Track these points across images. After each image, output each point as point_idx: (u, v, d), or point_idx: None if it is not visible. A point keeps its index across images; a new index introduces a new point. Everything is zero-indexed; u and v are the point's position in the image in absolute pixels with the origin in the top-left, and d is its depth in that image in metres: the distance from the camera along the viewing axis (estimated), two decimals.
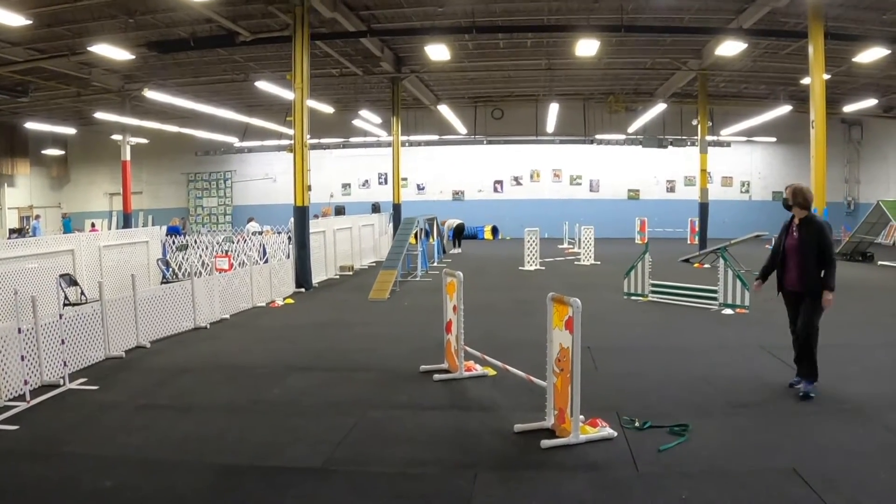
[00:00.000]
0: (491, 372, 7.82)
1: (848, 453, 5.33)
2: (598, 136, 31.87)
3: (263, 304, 13.66)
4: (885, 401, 6.65)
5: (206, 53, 21.15)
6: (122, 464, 5.39)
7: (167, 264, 14.81)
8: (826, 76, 15.31)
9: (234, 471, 5.24)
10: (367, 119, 29.07)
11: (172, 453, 5.61)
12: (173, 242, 17.93)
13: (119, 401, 7.12)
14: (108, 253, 13.09)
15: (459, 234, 26.72)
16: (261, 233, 21.07)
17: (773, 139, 31.43)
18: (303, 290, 15.65)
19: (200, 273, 13.31)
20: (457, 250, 25.63)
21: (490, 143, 33.33)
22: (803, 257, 6.85)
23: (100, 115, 25.49)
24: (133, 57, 17.23)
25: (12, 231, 29.75)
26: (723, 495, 4.68)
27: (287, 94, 18.60)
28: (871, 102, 24.85)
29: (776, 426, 5.99)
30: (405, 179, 30.86)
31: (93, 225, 30.67)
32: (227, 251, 15.70)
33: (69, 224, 30.60)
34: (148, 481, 5.06)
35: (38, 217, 31.19)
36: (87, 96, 25.92)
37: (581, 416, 5.67)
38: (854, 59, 18.49)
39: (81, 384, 7.71)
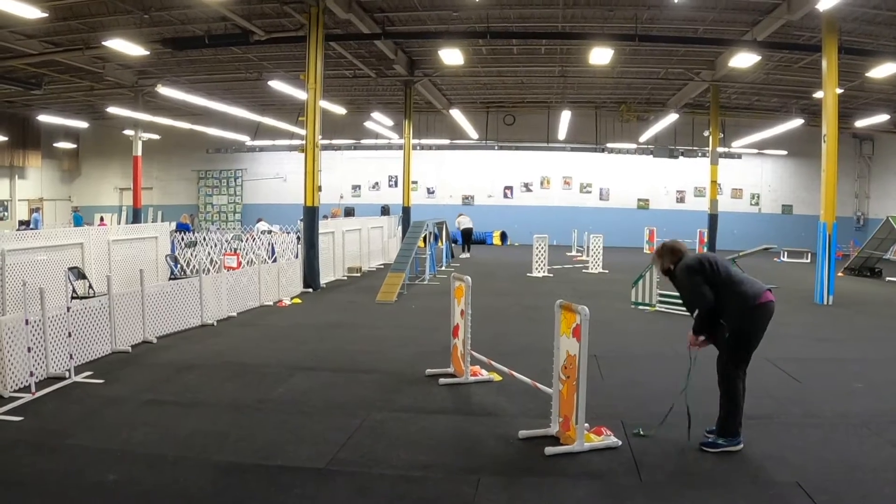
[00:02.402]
0: (497, 377, 7.81)
1: (852, 468, 5.31)
2: (610, 145, 31.81)
3: (271, 303, 13.67)
4: (892, 416, 6.61)
5: (221, 51, 21.22)
6: (125, 458, 5.40)
7: (175, 260, 14.84)
8: (839, 90, 15.25)
9: (237, 469, 5.25)
10: (379, 121, 29.10)
11: (176, 449, 5.62)
12: (182, 239, 17.96)
13: (124, 395, 7.14)
14: (116, 247, 13.14)
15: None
16: (270, 232, 21.10)
17: (784, 152, 31.32)
18: (310, 290, 15.67)
19: (209, 270, 13.34)
20: (465, 255, 25.48)
21: (501, 148, 33.29)
22: None
23: (112, 110, 25.58)
24: (147, 53, 17.26)
25: (21, 223, 29.90)
26: None
27: (300, 94, 18.65)
28: (883, 118, 24.75)
29: (780, 439, 5.95)
30: (415, 183, 30.87)
31: (101, 219, 30.77)
32: (235, 249, 15.74)
33: (80, 218, 30.65)
34: (151, 476, 5.07)
35: (37, 209, 31.27)
36: (101, 91, 26.08)
37: (586, 424, 5.66)
38: (867, 74, 18.44)
39: (87, 377, 7.74)
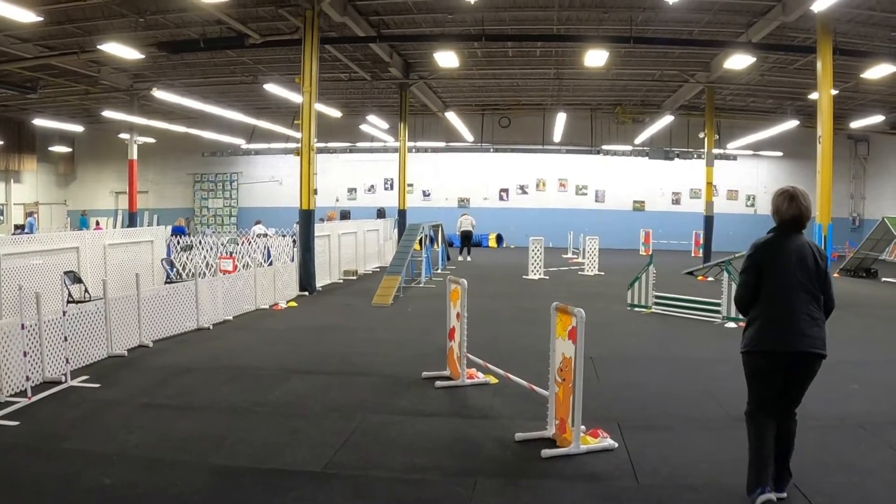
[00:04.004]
0: (493, 380, 7.80)
1: (849, 470, 5.32)
2: (605, 147, 31.86)
3: (267, 307, 13.65)
4: (888, 418, 6.63)
5: (216, 55, 21.22)
6: (121, 462, 5.39)
7: (171, 264, 14.81)
8: (834, 92, 15.30)
9: (233, 472, 5.24)
10: (375, 124, 29.08)
11: (172, 453, 5.61)
12: (178, 242, 17.93)
13: (120, 399, 7.13)
14: (112, 251, 13.10)
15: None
16: (266, 235, 21.09)
17: (780, 153, 31.39)
18: (306, 293, 15.65)
19: (205, 274, 13.32)
20: (462, 258, 25.22)
21: (497, 151, 33.31)
22: None
23: (108, 114, 25.59)
24: (142, 56, 17.27)
25: (17, 227, 29.84)
26: None
27: (295, 98, 18.66)
28: (877, 119, 24.85)
29: None
30: (411, 185, 30.86)
31: (97, 223, 30.71)
32: (231, 253, 15.72)
33: (86, 221, 30.56)
34: (147, 480, 5.05)
35: (31, 213, 31.24)
36: (96, 94, 26.05)
37: (582, 427, 5.66)
38: (862, 76, 18.50)
39: (83, 381, 7.71)
